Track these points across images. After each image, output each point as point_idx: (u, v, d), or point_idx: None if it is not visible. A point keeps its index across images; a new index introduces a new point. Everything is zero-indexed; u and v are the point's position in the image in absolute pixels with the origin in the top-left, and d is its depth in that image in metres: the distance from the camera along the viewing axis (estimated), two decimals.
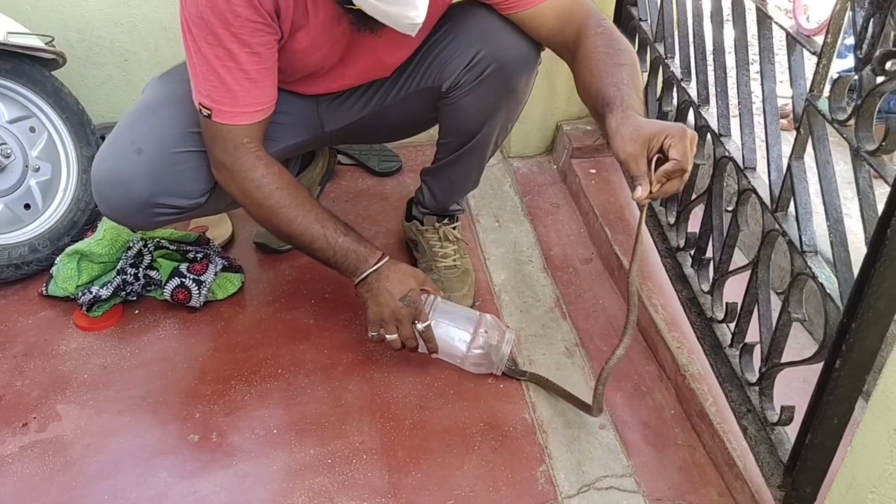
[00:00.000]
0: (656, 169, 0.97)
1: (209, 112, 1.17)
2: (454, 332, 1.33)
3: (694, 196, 1.39)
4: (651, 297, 1.47)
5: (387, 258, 1.28)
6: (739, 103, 1.19)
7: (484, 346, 1.34)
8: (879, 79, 0.79)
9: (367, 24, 1.14)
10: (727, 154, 1.22)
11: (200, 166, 1.28)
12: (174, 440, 1.28)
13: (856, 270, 0.87)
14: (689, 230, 1.43)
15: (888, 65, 0.71)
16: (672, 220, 1.48)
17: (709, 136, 1.31)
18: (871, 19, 0.75)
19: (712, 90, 1.31)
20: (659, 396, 1.36)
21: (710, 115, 1.32)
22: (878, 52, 0.71)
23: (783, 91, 1.39)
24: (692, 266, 1.39)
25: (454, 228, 1.60)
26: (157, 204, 1.28)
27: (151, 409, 1.34)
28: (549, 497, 1.19)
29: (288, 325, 1.51)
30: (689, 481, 1.20)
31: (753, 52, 1.38)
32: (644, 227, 1.05)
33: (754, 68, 1.17)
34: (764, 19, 1.12)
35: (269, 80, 1.19)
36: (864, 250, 0.82)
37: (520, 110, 1.41)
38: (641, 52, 1.69)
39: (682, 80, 1.44)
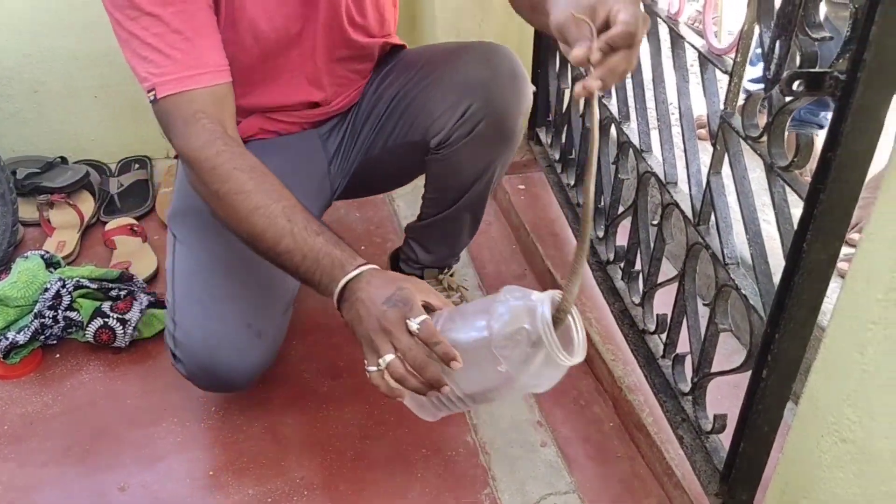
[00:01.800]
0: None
1: (154, 93, 1.03)
2: (468, 324, 0.90)
3: (621, 210, 1.42)
4: (585, 312, 1.49)
5: (370, 265, 0.96)
6: (658, 119, 1.22)
7: (508, 312, 0.87)
8: (788, 98, 0.82)
9: None
10: (649, 169, 1.25)
11: None
12: (103, 491, 1.22)
13: (776, 279, 0.91)
14: (618, 243, 1.45)
15: (795, 85, 0.73)
16: (601, 233, 1.50)
17: (631, 151, 1.34)
18: (777, 41, 0.78)
19: (632, 106, 1.34)
20: (597, 409, 1.37)
21: (632, 130, 1.35)
22: (785, 74, 0.74)
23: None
24: (622, 279, 1.42)
25: (452, 275, 1.55)
26: None
27: (78, 458, 1.27)
28: None
29: None
30: (631, 493, 1.22)
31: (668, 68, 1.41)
32: (595, 135, 0.86)
33: (671, 85, 1.20)
34: (677, 39, 1.15)
35: (207, 39, 1.05)
36: (783, 258, 0.85)
37: (515, 151, 1.34)
38: (563, 70, 1.72)
39: (602, 97, 1.47)
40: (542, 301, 0.86)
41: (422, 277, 1.49)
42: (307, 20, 1.20)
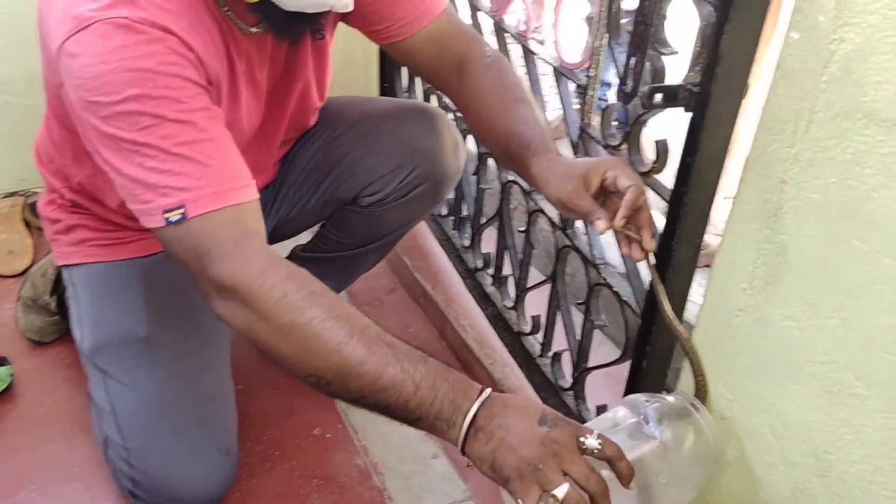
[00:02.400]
0: (603, 205, 0.87)
1: (182, 211, 0.82)
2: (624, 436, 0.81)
3: (484, 220, 1.46)
4: (458, 318, 1.52)
5: (489, 388, 0.80)
6: None
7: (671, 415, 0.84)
8: (646, 108, 0.88)
9: (281, 28, 0.95)
10: (511, 178, 1.30)
11: None
12: None
13: (642, 278, 0.98)
14: (485, 251, 1.50)
15: (655, 98, 0.79)
16: (467, 242, 1.54)
17: (490, 161, 1.39)
18: (633, 58, 0.84)
19: None
20: None
21: None
22: (646, 88, 0.80)
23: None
24: (493, 285, 1.46)
25: None
26: None
27: None
28: None
29: (75, 415, 1.34)
30: None
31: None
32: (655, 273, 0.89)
33: None
34: (529, 54, 1.20)
35: (235, 148, 0.90)
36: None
37: None
38: (411, 86, 1.74)
39: (456, 109, 1.50)
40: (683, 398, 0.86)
41: None
42: (278, 114, 1.15)
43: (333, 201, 1.30)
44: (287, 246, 1.47)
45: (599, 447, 0.73)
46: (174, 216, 0.83)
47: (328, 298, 0.82)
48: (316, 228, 1.43)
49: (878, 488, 0.68)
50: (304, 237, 1.46)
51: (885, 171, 0.62)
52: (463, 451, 0.78)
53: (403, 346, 0.81)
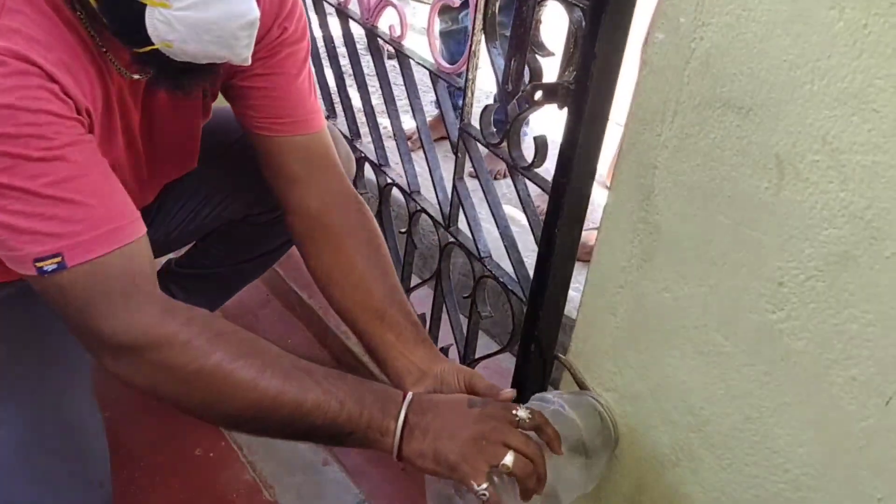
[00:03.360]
0: None
1: (58, 260, 0.76)
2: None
3: None
4: (339, 325, 1.52)
5: (410, 391, 0.84)
6: (394, 135, 1.31)
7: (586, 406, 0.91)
8: (526, 106, 0.94)
9: (171, 79, 0.88)
10: (390, 181, 1.33)
11: None
12: None
13: (528, 267, 1.04)
14: None
15: (537, 95, 0.85)
16: None
17: (367, 166, 1.41)
18: (513, 60, 0.90)
19: (361, 124, 1.41)
20: None
21: (365, 147, 1.41)
22: (529, 86, 0.86)
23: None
24: None
25: None
26: None
27: None
28: None
29: None
30: (421, 487, 1.28)
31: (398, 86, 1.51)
32: None
33: (403, 103, 1.30)
34: (404, 59, 1.24)
35: (118, 183, 0.83)
36: (534, 247, 0.98)
37: None
38: None
39: (328, 116, 1.52)
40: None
41: None
42: (159, 162, 1.07)
43: (220, 219, 1.26)
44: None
45: (530, 417, 0.79)
46: (49, 265, 0.77)
47: (234, 336, 0.81)
48: None
49: (749, 434, 0.77)
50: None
51: (741, 152, 0.70)
52: (399, 457, 0.79)
53: (320, 369, 0.82)
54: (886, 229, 0.61)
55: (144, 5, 0.79)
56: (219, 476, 1.26)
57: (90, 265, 0.78)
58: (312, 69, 1.07)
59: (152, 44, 0.81)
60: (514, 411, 0.79)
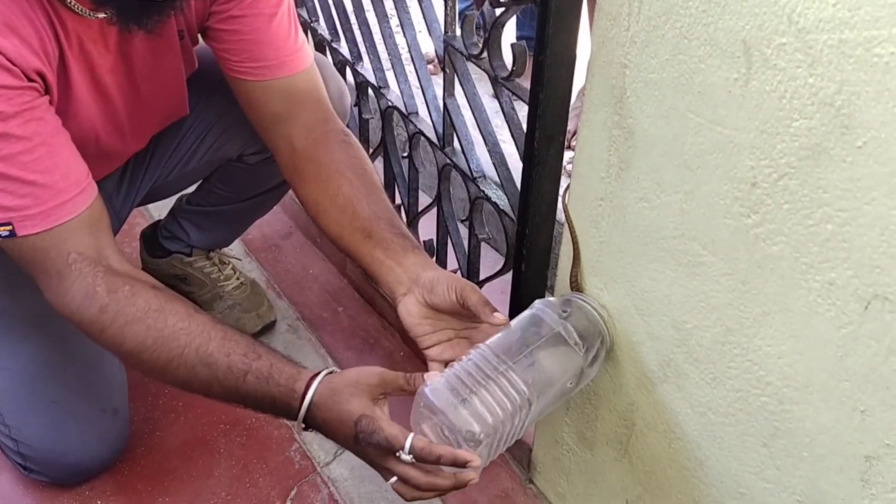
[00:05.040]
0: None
1: (9, 228, 0.82)
2: (492, 395, 0.78)
3: (371, 150, 1.45)
4: None
5: (311, 391, 0.83)
6: (389, 55, 1.26)
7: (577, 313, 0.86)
8: (498, 12, 0.89)
9: (132, 15, 0.87)
10: (391, 104, 1.29)
11: None
12: None
13: (519, 184, 0.99)
14: None
15: None
16: None
17: (370, 90, 1.37)
18: None
19: (362, 46, 1.37)
20: (387, 344, 1.42)
21: (366, 70, 1.37)
22: None
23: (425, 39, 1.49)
24: None
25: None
26: None
27: None
28: (309, 471, 1.19)
29: None
30: None
31: (389, 4, 1.46)
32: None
33: (395, 21, 1.24)
34: None
35: (66, 148, 0.86)
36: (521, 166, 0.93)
37: None
38: None
39: (331, 41, 1.47)
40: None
41: (189, 255, 1.42)
42: (146, 110, 1.06)
43: (216, 160, 1.25)
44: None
45: (412, 461, 0.76)
46: (2, 231, 0.83)
47: (144, 323, 0.85)
48: None
49: (730, 347, 0.73)
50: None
51: (709, 41, 0.64)
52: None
53: (224, 362, 0.84)
54: (857, 116, 0.55)
55: None
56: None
57: (36, 238, 0.84)
58: (292, 6, 1.03)
59: None
60: (397, 454, 0.76)
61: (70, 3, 0.85)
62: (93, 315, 0.85)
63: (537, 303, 0.87)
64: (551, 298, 0.89)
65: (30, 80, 0.82)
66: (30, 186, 0.82)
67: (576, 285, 0.88)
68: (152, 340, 0.85)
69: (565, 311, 0.85)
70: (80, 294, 0.85)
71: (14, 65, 0.79)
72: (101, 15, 0.89)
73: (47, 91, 0.86)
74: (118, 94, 0.99)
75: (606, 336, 0.87)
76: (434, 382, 0.78)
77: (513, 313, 1.05)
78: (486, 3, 0.87)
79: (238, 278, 1.46)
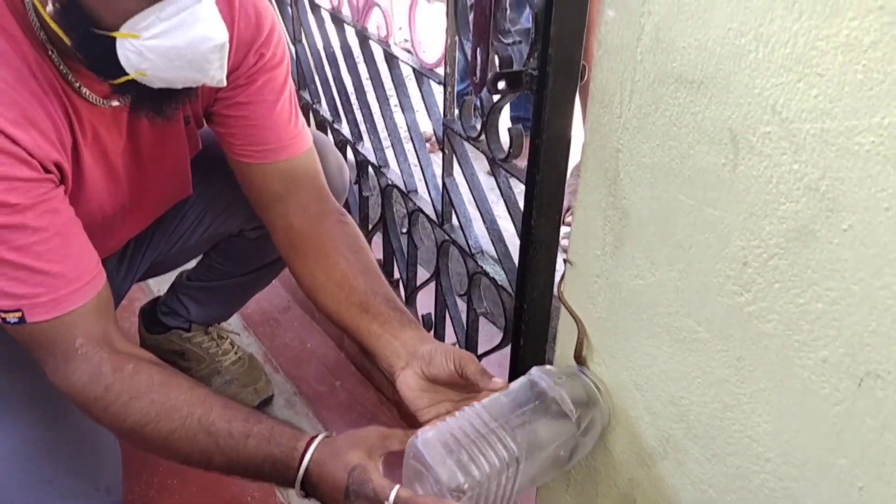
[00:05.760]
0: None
1: (19, 315, 0.84)
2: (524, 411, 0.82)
3: (370, 227, 1.48)
4: None
5: (312, 449, 0.84)
6: (389, 135, 1.30)
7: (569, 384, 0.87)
8: (496, 97, 0.93)
9: (147, 104, 0.91)
10: (390, 182, 1.32)
11: None
12: None
13: (516, 260, 1.02)
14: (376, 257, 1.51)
15: (499, 85, 0.84)
16: None
17: (370, 169, 1.41)
18: (478, 49, 0.88)
19: (363, 127, 1.41)
20: (384, 419, 1.42)
21: (367, 150, 1.42)
22: (490, 75, 0.84)
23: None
24: None
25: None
26: None
27: None
28: None
29: None
30: None
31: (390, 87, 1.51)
32: None
33: (394, 102, 1.29)
34: (391, 59, 1.24)
35: (77, 237, 0.89)
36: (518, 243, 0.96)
37: None
38: None
39: (332, 122, 1.52)
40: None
41: (188, 331, 1.43)
42: (150, 191, 1.09)
43: (217, 235, 1.28)
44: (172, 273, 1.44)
45: None
46: (11, 317, 0.85)
47: (147, 398, 0.87)
48: None
49: (729, 423, 0.74)
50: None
51: (697, 128, 0.67)
52: None
53: (225, 428, 0.86)
54: (841, 200, 0.58)
55: (115, 38, 0.81)
56: (232, 481, 1.28)
57: (45, 325, 0.86)
58: (293, 91, 1.07)
59: (127, 74, 0.84)
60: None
61: (85, 93, 0.89)
62: (98, 394, 0.87)
63: (534, 369, 0.88)
64: (548, 366, 0.90)
65: (47, 171, 0.85)
66: (42, 275, 0.84)
67: (580, 358, 0.89)
68: (155, 413, 0.86)
69: (560, 378, 0.86)
70: (85, 375, 0.87)
71: (32, 157, 0.82)
72: (115, 103, 0.93)
73: (62, 180, 0.89)
74: (126, 177, 1.02)
75: (602, 407, 0.87)
76: (423, 434, 0.79)
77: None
78: (484, 89, 0.92)
79: (236, 353, 1.46)
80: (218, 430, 0.86)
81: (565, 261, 0.88)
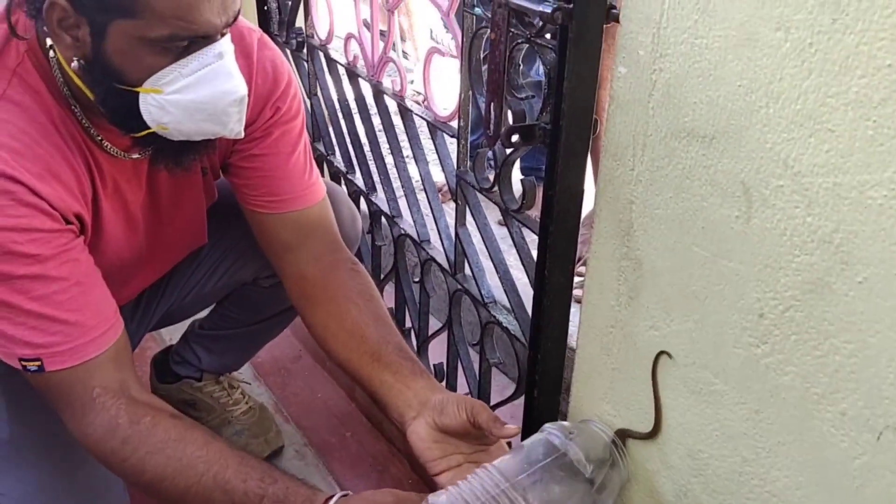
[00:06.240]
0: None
1: (38, 364, 0.85)
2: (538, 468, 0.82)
3: (382, 276, 1.49)
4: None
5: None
6: (403, 186, 1.32)
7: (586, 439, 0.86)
8: (508, 150, 0.94)
9: (168, 156, 0.93)
10: (403, 231, 1.34)
11: None
12: None
13: (529, 310, 1.02)
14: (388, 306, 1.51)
15: (513, 138, 0.85)
16: None
17: (383, 219, 1.43)
18: (492, 104, 0.90)
19: (376, 177, 1.43)
20: (395, 471, 1.40)
21: (380, 200, 1.43)
22: (504, 129, 0.86)
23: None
24: None
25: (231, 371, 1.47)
26: None
27: None
28: None
29: None
30: None
31: (403, 139, 1.54)
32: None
33: (407, 153, 1.31)
34: (406, 112, 1.27)
35: (97, 287, 0.90)
36: (531, 293, 0.96)
37: None
38: None
39: (346, 172, 1.55)
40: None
41: (199, 380, 1.43)
42: (168, 241, 1.10)
43: (231, 284, 1.29)
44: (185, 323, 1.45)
45: None
46: (31, 366, 0.86)
47: (163, 454, 0.87)
48: None
49: (748, 478, 0.73)
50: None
51: (710, 181, 0.68)
52: None
53: (241, 487, 0.86)
54: (856, 253, 0.58)
55: (137, 93, 0.83)
56: None
57: (63, 373, 0.87)
58: (308, 143, 1.10)
59: (149, 127, 0.86)
60: None
61: (106, 146, 0.92)
62: (115, 446, 0.87)
63: (547, 425, 0.88)
64: (563, 422, 0.90)
65: (68, 222, 0.87)
66: (61, 325, 0.85)
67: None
68: (172, 469, 0.87)
69: (572, 433, 0.86)
70: (102, 427, 0.88)
71: (54, 209, 0.84)
72: (136, 156, 0.95)
73: (82, 231, 0.91)
74: (144, 227, 1.04)
75: (619, 464, 0.86)
76: (435, 499, 0.79)
77: (525, 438, 1.05)
78: (498, 143, 0.93)
79: (247, 402, 1.46)
80: (234, 488, 0.86)
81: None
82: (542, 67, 0.86)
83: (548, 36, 0.84)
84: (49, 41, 0.85)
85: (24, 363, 0.86)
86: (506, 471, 0.81)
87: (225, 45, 0.85)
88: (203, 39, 0.82)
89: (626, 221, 0.79)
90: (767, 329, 0.67)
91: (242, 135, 0.92)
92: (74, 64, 0.83)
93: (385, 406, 0.98)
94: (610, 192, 0.80)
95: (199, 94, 0.84)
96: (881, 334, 0.58)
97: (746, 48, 0.62)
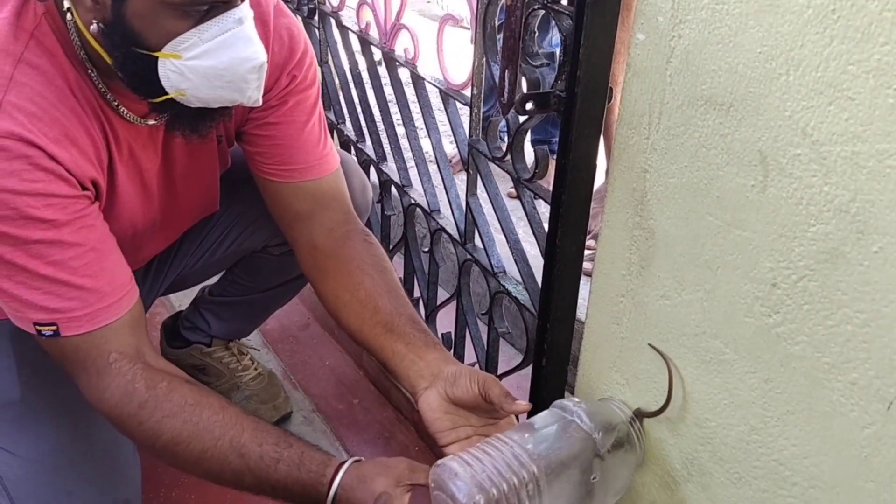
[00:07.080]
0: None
1: (53, 328, 0.86)
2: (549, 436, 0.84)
3: (392, 245, 1.49)
4: None
5: (340, 475, 0.86)
6: (413, 155, 1.32)
7: (597, 413, 0.86)
8: (522, 118, 0.94)
9: (184, 123, 0.92)
10: (413, 201, 1.34)
11: None
12: None
13: (538, 280, 1.02)
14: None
15: (527, 106, 0.85)
16: None
17: (393, 188, 1.43)
18: (506, 71, 0.90)
19: (387, 147, 1.43)
20: (402, 437, 1.42)
21: (391, 169, 1.43)
22: (518, 97, 0.86)
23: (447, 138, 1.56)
24: None
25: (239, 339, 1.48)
26: None
27: None
28: None
29: None
30: None
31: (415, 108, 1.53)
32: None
33: (419, 122, 1.31)
34: (418, 80, 1.26)
35: (113, 253, 0.90)
36: (542, 262, 0.96)
37: None
38: None
39: (357, 141, 1.54)
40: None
41: (209, 346, 1.44)
42: (182, 207, 1.11)
43: (241, 251, 1.30)
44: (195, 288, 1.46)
45: None
46: (46, 331, 0.86)
47: (180, 417, 0.88)
48: None
49: (755, 446, 0.73)
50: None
51: (726, 150, 0.68)
52: None
53: (257, 452, 0.87)
54: (872, 223, 0.58)
55: (156, 58, 0.83)
56: (252, 499, 1.28)
57: (79, 339, 0.87)
58: (323, 112, 1.09)
59: (167, 93, 0.86)
60: None
61: (122, 112, 0.92)
62: (132, 411, 0.88)
63: (556, 401, 0.89)
64: (573, 397, 0.91)
65: (84, 188, 0.87)
66: (77, 290, 0.85)
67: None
68: (188, 433, 0.87)
69: (583, 405, 0.86)
70: (118, 391, 0.88)
71: (71, 174, 0.84)
72: (152, 122, 0.95)
73: (97, 197, 0.91)
74: (158, 194, 1.04)
75: (632, 433, 0.87)
76: (444, 460, 0.81)
77: (534, 409, 1.05)
78: (512, 110, 0.93)
79: (256, 369, 1.47)
80: (249, 452, 0.87)
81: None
82: (555, 38, 0.85)
83: (564, 2, 0.83)
84: (66, 3, 0.84)
85: (38, 327, 0.86)
86: (514, 436, 0.82)
87: (245, 10, 0.84)
88: (223, 4, 0.82)
89: (640, 190, 0.78)
90: (780, 298, 0.67)
91: (260, 102, 0.92)
92: (94, 27, 0.83)
93: (397, 376, 0.99)
94: (624, 161, 0.79)
95: (218, 60, 0.83)
96: (894, 304, 0.58)
97: (768, 14, 0.61)
